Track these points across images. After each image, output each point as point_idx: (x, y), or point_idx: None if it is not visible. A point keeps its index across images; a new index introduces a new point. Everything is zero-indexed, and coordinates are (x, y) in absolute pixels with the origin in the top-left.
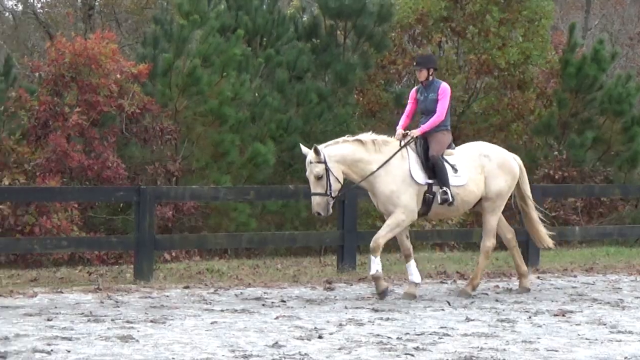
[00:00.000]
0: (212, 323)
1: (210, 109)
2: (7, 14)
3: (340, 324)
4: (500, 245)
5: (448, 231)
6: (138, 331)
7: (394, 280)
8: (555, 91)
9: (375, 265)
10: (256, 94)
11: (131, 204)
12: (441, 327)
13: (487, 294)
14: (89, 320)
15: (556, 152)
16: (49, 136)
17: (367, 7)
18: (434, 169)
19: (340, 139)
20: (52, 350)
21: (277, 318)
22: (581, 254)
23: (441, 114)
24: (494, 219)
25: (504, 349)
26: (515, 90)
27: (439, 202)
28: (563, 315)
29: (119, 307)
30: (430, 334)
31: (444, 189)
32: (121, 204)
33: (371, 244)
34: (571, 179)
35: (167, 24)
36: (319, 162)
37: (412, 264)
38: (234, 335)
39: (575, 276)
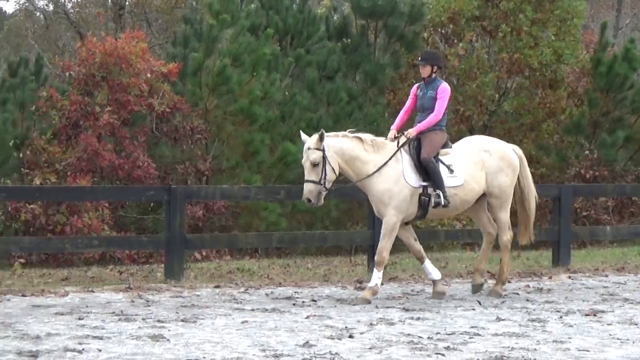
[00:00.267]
0: (242, 322)
1: (240, 108)
2: (38, 13)
3: (371, 324)
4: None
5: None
6: (169, 330)
7: (424, 280)
8: (587, 90)
9: (377, 279)
10: (286, 93)
11: (162, 204)
12: (472, 327)
13: (517, 293)
14: (120, 320)
15: (587, 152)
16: (80, 136)
17: (398, 6)
18: (427, 171)
19: (341, 133)
20: (83, 350)
21: (307, 317)
22: (612, 254)
23: (439, 113)
24: (505, 214)
25: (535, 349)
26: (546, 90)
27: (433, 205)
28: (594, 315)
29: (149, 306)
30: (461, 334)
31: (438, 192)
32: (152, 204)
33: (376, 258)
34: (602, 178)
35: (197, 23)
36: (318, 149)
37: (427, 263)
38: (265, 334)
39: (606, 276)
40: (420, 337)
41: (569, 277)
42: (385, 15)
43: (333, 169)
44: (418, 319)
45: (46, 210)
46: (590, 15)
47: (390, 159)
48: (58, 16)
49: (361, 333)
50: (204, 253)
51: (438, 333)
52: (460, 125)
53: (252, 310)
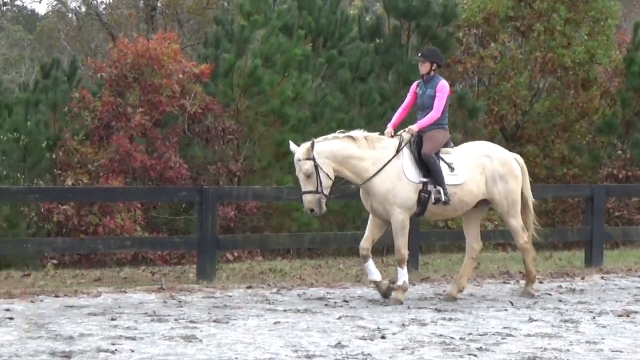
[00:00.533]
0: (275, 323)
1: (271, 109)
2: (70, 15)
3: (403, 324)
4: (563, 244)
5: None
6: (201, 331)
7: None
8: (619, 90)
9: (403, 276)
10: (317, 94)
11: (194, 204)
12: (504, 328)
13: (550, 294)
14: (152, 320)
15: (620, 152)
16: (112, 136)
17: (431, 7)
18: (428, 167)
19: (330, 135)
20: (116, 350)
21: (339, 318)
22: None
23: (438, 110)
24: (514, 220)
25: (568, 350)
26: (578, 90)
27: (433, 201)
28: (627, 316)
29: (182, 307)
30: (493, 335)
31: (438, 188)
32: (183, 204)
33: (396, 257)
34: (635, 178)
35: (228, 24)
36: (308, 159)
37: (369, 263)
38: (297, 335)
39: (639, 276)
40: (452, 337)
41: (602, 277)
42: (419, 15)
43: (327, 175)
44: (450, 319)
45: (79, 211)
46: (622, 15)
47: (394, 156)
48: (90, 17)
49: (393, 334)
50: (236, 254)
51: (470, 334)
52: (494, 125)
53: (285, 310)
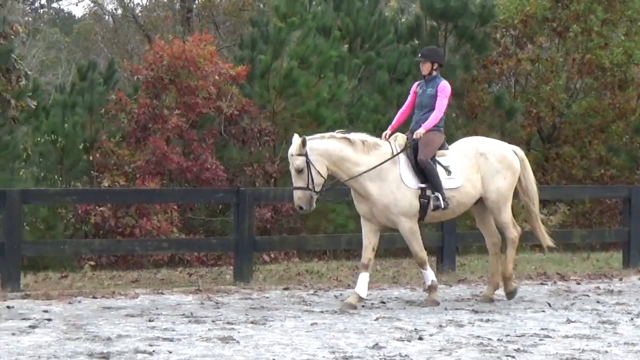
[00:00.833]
0: (312, 324)
1: (307, 110)
2: (107, 17)
3: (440, 325)
4: (601, 245)
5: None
6: (239, 332)
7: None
8: None
9: (430, 276)
10: (353, 95)
11: (230, 206)
12: (542, 329)
13: (588, 295)
14: (189, 321)
15: None
16: (149, 138)
17: (469, 8)
18: (425, 173)
19: (327, 134)
20: (153, 351)
21: (377, 319)
22: None
23: (440, 110)
24: (505, 215)
25: (606, 351)
26: (615, 91)
27: (432, 208)
28: None
29: (219, 308)
30: (530, 336)
31: (436, 194)
32: (220, 206)
33: (417, 261)
34: None
35: (264, 25)
36: (300, 154)
37: (365, 275)
38: (334, 336)
39: None
40: (490, 339)
41: None
42: (456, 16)
43: (319, 172)
44: (487, 320)
45: (115, 212)
46: None
47: (385, 161)
48: (126, 20)
49: (430, 335)
50: (272, 255)
51: (508, 335)
52: (531, 127)
53: (322, 312)
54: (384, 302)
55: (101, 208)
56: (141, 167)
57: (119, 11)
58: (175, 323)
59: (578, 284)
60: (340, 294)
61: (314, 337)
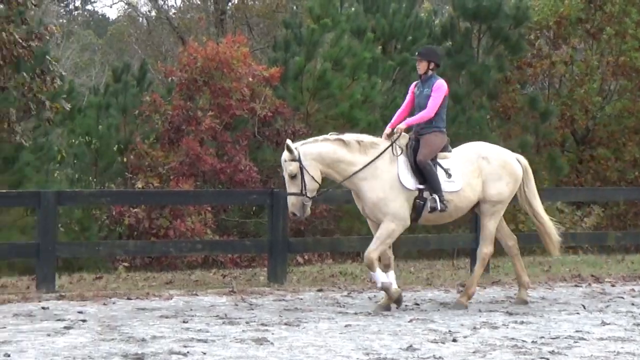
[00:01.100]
0: (346, 326)
1: (341, 112)
2: (141, 19)
3: (475, 327)
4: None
5: (582, 234)
6: (272, 334)
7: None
8: None
9: (380, 277)
10: (387, 97)
11: (264, 207)
12: (576, 331)
13: (622, 297)
14: (224, 323)
15: None
16: (182, 140)
17: (503, 9)
18: (424, 174)
19: (321, 137)
20: (188, 352)
21: (410, 321)
22: None
23: (430, 110)
24: (493, 224)
25: None
26: None
27: (428, 210)
28: None
29: (253, 309)
30: (565, 338)
31: (434, 196)
32: (254, 207)
33: (364, 260)
34: None
35: (297, 27)
36: (293, 160)
37: (391, 274)
38: (368, 338)
39: None
40: (524, 341)
41: None
42: (490, 17)
43: (313, 178)
44: (522, 322)
45: (149, 214)
46: None
47: (380, 155)
48: (160, 22)
49: (465, 337)
50: (306, 257)
51: (542, 337)
52: (565, 129)
53: (355, 313)
54: (417, 304)
55: (135, 209)
56: (175, 168)
57: (153, 13)
58: (209, 324)
59: (613, 286)
60: (374, 296)
61: (347, 339)
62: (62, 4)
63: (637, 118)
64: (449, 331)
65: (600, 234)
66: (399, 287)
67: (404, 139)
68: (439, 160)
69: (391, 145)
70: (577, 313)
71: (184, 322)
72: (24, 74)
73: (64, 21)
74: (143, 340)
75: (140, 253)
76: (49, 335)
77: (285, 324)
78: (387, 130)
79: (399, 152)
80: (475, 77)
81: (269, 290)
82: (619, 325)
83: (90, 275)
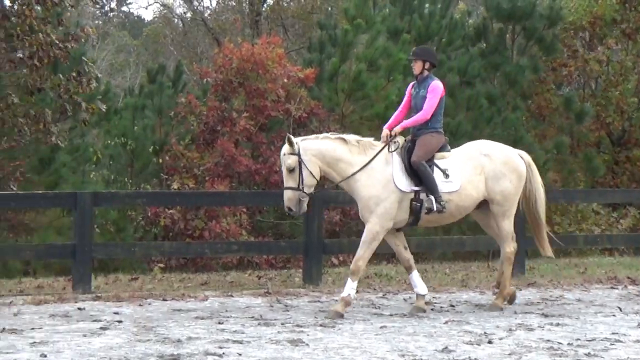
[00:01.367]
0: (381, 327)
1: (376, 113)
2: (176, 20)
3: (510, 329)
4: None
5: (618, 236)
6: (308, 335)
7: (563, 285)
8: None
9: (350, 289)
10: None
11: None
12: (613, 333)
13: None
14: (259, 324)
15: None
16: (217, 141)
17: (537, 9)
18: (418, 175)
19: (322, 135)
20: (223, 354)
21: (446, 323)
22: None
23: (426, 112)
24: (507, 223)
25: None
26: None
27: (425, 211)
28: None
29: (288, 311)
30: (601, 340)
31: (430, 197)
32: None
33: (351, 267)
34: None
35: (332, 28)
36: (292, 153)
37: (414, 274)
38: (403, 339)
39: None
40: (560, 343)
41: None
42: (524, 18)
43: (311, 173)
44: (557, 324)
45: (185, 215)
46: None
47: (375, 156)
48: (196, 23)
49: (500, 339)
50: (341, 258)
51: (578, 339)
52: (600, 131)
53: (391, 315)
54: (453, 306)
55: (171, 210)
56: (210, 169)
57: (188, 14)
58: (244, 325)
59: None
60: (410, 297)
61: (383, 340)
62: (98, 6)
63: None
64: (485, 333)
65: (636, 235)
66: (434, 288)
67: (400, 140)
68: (436, 161)
69: (387, 145)
70: (613, 315)
71: (219, 323)
72: (61, 75)
73: (100, 22)
74: (179, 341)
75: (176, 254)
76: (85, 335)
77: (321, 325)
78: (384, 132)
79: (392, 148)
80: (510, 78)
81: (304, 291)
82: None
83: (125, 276)
